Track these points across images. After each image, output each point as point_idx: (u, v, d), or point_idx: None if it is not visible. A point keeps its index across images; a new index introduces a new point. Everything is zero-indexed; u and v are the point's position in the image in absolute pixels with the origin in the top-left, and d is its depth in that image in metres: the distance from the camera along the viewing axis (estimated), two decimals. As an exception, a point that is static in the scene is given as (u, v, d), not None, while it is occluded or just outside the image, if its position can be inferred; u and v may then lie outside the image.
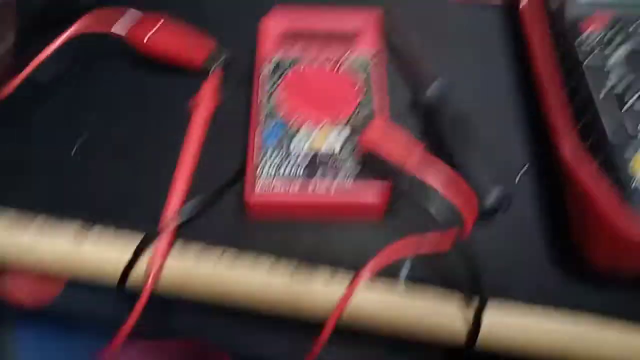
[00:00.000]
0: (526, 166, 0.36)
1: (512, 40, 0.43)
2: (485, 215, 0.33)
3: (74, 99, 0.39)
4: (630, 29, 0.36)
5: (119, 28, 0.39)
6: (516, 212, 0.34)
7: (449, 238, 0.30)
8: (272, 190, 0.33)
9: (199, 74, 0.39)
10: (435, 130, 0.36)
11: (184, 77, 0.39)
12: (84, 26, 0.38)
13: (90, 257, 0.33)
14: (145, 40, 0.39)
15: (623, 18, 0.36)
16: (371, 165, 0.32)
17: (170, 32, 0.40)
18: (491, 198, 0.32)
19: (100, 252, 0.33)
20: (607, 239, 0.29)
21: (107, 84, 0.40)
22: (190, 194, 0.34)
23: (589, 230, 0.30)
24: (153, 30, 0.39)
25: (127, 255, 0.32)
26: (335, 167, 0.33)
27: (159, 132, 0.37)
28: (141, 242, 0.32)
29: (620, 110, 0.32)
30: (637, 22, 0.36)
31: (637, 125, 0.31)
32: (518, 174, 0.36)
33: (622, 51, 0.34)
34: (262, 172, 0.33)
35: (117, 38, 0.38)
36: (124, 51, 0.39)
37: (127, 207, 0.34)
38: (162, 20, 0.40)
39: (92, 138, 0.37)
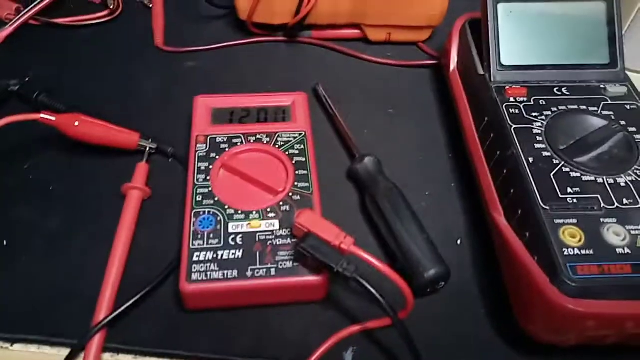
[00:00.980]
0: (460, 240, 0.36)
1: (445, 102, 0.44)
2: (425, 290, 0.32)
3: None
4: (554, 92, 0.37)
5: (49, 115, 0.38)
6: (456, 285, 0.33)
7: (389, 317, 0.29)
8: (209, 277, 0.31)
9: (131, 158, 0.39)
10: (371, 202, 0.36)
11: (116, 162, 0.39)
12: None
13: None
14: (76, 124, 0.38)
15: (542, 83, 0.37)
16: (309, 246, 0.32)
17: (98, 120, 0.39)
18: (430, 273, 0.31)
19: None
20: (540, 309, 0.28)
21: (37, 171, 0.39)
22: (124, 284, 0.33)
23: (523, 300, 0.30)
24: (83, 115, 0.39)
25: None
26: (274, 247, 0.32)
27: (92, 220, 0.36)
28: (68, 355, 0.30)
29: (550, 173, 0.32)
30: (559, 85, 0.37)
31: (567, 188, 0.31)
32: (455, 242, 0.36)
33: (548, 114, 0.35)
34: (197, 258, 0.32)
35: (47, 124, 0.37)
36: (53, 137, 0.38)
37: (57, 306, 0.32)
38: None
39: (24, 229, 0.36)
